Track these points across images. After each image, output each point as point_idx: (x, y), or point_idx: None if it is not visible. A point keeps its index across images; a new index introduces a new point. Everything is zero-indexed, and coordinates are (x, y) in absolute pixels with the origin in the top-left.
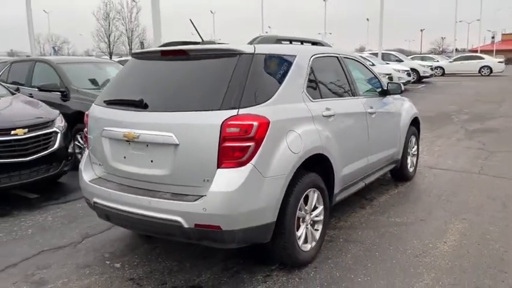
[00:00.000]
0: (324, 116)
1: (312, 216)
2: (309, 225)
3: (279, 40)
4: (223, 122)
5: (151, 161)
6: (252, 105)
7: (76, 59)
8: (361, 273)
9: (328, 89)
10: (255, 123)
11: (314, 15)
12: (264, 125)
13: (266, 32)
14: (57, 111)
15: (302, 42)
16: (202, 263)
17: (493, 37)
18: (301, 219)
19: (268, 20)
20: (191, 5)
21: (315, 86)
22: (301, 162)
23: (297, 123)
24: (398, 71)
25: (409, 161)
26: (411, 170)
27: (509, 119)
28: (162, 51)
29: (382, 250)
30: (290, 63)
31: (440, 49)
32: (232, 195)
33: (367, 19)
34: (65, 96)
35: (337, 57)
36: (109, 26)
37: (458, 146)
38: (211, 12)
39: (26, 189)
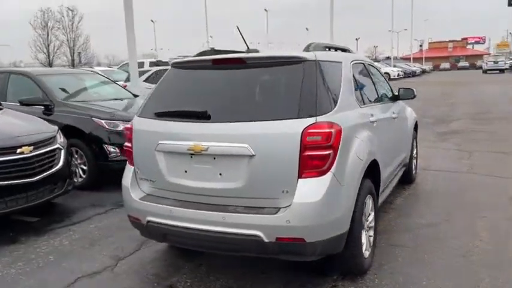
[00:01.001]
0: (370, 122)
1: (367, 222)
2: (366, 232)
3: (326, 47)
4: (303, 131)
5: (220, 174)
6: (325, 113)
7: (54, 71)
8: (423, 276)
9: (366, 95)
10: (333, 131)
11: (255, 25)
12: (339, 132)
13: (208, 42)
14: (56, 127)
15: (336, 49)
16: (263, 278)
17: (420, 45)
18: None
19: (211, 30)
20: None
21: (359, 92)
22: (365, 168)
23: (358, 129)
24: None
25: (413, 163)
26: (414, 172)
27: (465, 121)
28: (214, 60)
29: (429, 252)
30: (341, 69)
31: (374, 57)
32: (317, 206)
33: (307, 28)
34: (49, 110)
35: (363, 63)
36: (48, 35)
37: (437, 148)
38: (152, 21)
39: (23, 212)
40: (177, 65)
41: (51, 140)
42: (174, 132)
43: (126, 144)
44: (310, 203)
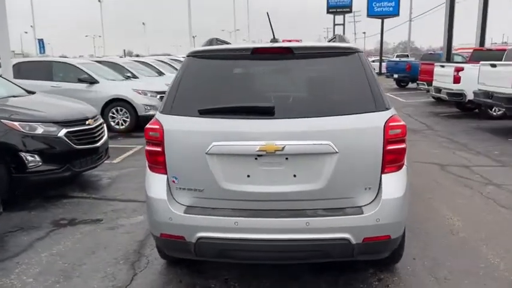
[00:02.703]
0: None
1: None
2: None
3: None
4: (385, 124)
5: (294, 176)
6: (390, 106)
7: None
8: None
9: None
10: (404, 123)
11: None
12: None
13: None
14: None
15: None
16: (298, 284)
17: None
18: None
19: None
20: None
21: None
22: None
23: None
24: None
25: None
26: None
27: None
28: (256, 49)
29: None
30: None
31: None
32: (402, 201)
33: (143, 23)
34: None
35: None
36: None
37: None
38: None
39: None
40: (203, 55)
41: (97, 115)
42: (235, 131)
43: (152, 148)
44: (397, 199)
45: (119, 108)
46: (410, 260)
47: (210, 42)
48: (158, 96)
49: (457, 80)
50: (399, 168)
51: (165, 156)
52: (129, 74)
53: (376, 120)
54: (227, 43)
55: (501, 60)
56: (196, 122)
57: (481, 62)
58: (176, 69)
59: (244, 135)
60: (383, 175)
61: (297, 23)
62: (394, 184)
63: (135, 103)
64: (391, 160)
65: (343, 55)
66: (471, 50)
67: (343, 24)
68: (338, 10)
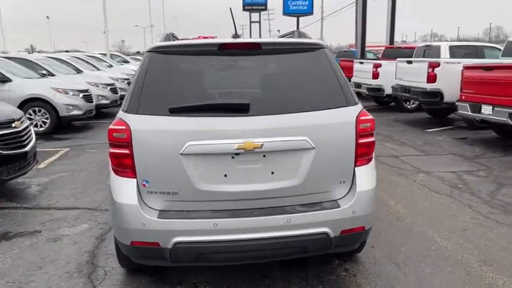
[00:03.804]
0: None
1: None
2: None
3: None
4: (357, 118)
5: (272, 173)
6: (358, 100)
7: None
8: None
9: None
10: (372, 117)
11: None
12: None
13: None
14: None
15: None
16: (269, 281)
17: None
18: None
19: None
20: None
21: None
22: None
23: None
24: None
25: None
26: None
27: None
28: (223, 44)
29: None
30: None
31: (122, 51)
32: (374, 193)
33: (48, 17)
34: None
35: None
36: None
37: None
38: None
39: None
40: (166, 51)
41: (23, 116)
42: (210, 129)
43: (117, 150)
44: (370, 191)
45: (36, 108)
46: (369, 248)
47: (168, 37)
48: (81, 95)
49: (375, 75)
50: (369, 161)
51: (134, 159)
52: (44, 72)
53: (348, 115)
54: (178, 39)
55: (410, 57)
56: (167, 121)
57: (398, 59)
58: (95, 66)
59: (220, 133)
60: (356, 168)
61: (212, 20)
62: (366, 176)
63: (56, 103)
64: (363, 153)
65: (310, 51)
66: (379, 48)
67: (259, 22)
68: (254, 8)
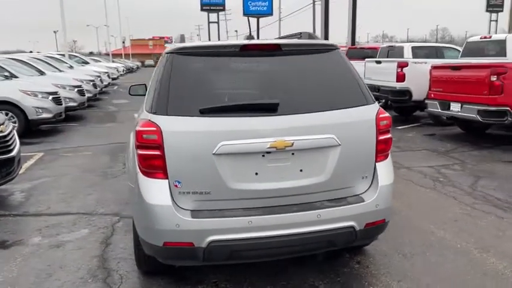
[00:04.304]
0: None
1: None
2: None
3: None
4: (376, 116)
5: (301, 170)
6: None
7: None
8: None
9: None
10: (389, 115)
11: None
12: None
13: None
14: None
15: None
16: (287, 277)
17: (123, 42)
18: None
19: None
20: None
21: None
22: None
23: None
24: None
25: None
26: None
27: None
28: (244, 46)
29: None
30: None
31: (74, 52)
32: (392, 187)
33: None
34: None
35: None
36: None
37: None
38: None
39: None
40: (188, 52)
41: (6, 120)
42: (242, 129)
43: (147, 152)
44: (390, 185)
45: (3, 112)
46: (375, 241)
47: (183, 39)
48: (50, 97)
49: (401, 77)
50: (387, 157)
51: (165, 160)
52: (6, 74)
53: (369, 113)
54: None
55: (373, 57)
56: (199, 122)
57: (366, 60)
58: (56, 68)
59: (252, 133)
60: (377, 163)
61: (169, 20)
62: (386, 171)
63: (24, 106)
64: (382, 149)
65: (325, 52)
66: (343, 49)
67: (218, 22)
68: (212, 8)
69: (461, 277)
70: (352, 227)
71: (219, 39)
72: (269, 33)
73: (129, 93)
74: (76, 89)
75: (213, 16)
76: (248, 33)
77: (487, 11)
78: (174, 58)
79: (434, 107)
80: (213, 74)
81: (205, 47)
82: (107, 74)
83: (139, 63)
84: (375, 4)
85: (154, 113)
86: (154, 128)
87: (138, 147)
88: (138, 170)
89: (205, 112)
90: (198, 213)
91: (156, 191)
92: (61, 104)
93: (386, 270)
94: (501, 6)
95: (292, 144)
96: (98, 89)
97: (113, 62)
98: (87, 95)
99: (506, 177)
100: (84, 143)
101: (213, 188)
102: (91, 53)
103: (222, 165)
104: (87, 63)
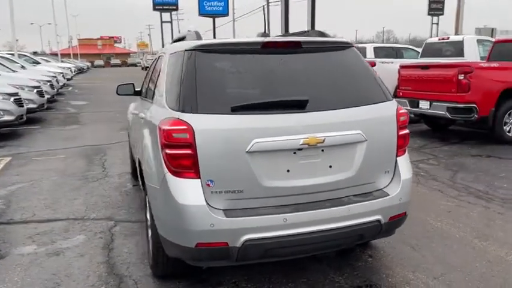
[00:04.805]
0: None
1: None
2: None
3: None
4: (396, 111)
5: (330, 167)
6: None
7: None
8: None
9: None
10: (406, 111)
11: None
12: None
13: None
14: None
15: None
16: (308, 273)
17: (70, 41)
18: None
19: None
20: None
21: None
22: None
23: None
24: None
25: None
26: None
27: None
28: (266, 43)
29: None
30: None
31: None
32: (411, 180)
33: None
34: None
35: None
36: None
37: None
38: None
39: None
40: (209, 49)
41: None
42: (275, 126)
43: (178, 151)
44: (410, 178)
45: None
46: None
47: (198, 36)
48: (12, 99)
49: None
50: (405, 151)
51: (197, 159)
52: None
53: (390, 109)
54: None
55: None
56: (231, 120)
57: None
58: (8, 67)
59: (284, 130)
60: (398, 158)
61: (117, 19)
62: (406, 165)
63: None
64: (402, 144)
65: (343, 49)
66: None
67: (171, 22)
68: (164, 7)
69: (470, 265)
70: (378, 220)
71: (172, 39)
72: (223, 33)
73: (117, 93)
74: (35, 90)
75: (167, 15)
76: (262, 31)
77: (428, 14)
78: (197, 55)
79: (404, 105)
80: (237, 71)
81: (227, 44)
82: (61, 75)
83: (89, 64)
84: (326, 6)
85: (183, 111)
86: (185, 127)
87: (166, 146)
88: (166, 170)
89: (236, 109)
90: (232, 212)
91: (188, 191)
92: (22, 106)
93: (399, 261)
94: (441, 10)
95: (324, 140)
96: (55, 90)
97: (62, 62)
98: (47, 96)
99: (480, 170)
100: (53, 146)
101: (246, 186)
102: (35, 53)
103: (255, 163)
104: (38, 63)
